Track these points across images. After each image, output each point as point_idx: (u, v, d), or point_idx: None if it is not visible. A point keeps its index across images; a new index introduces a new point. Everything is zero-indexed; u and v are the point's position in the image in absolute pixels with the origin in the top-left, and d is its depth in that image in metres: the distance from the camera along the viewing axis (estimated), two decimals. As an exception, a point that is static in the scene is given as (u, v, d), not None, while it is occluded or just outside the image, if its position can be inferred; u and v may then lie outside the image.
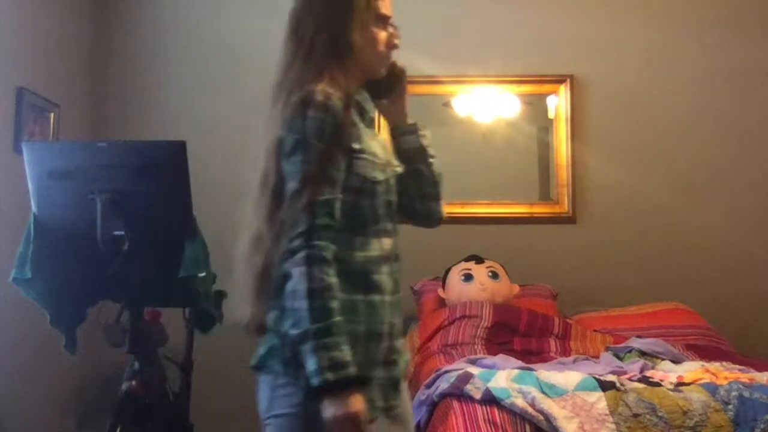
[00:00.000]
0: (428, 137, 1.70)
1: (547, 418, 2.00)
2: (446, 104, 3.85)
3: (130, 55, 3.84)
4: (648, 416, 1.99)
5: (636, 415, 1.99)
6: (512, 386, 2.10)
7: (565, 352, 2.90)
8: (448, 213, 4.30)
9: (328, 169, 1.40)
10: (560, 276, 3.66)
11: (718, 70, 3.82)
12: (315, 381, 1.32)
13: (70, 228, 2.30)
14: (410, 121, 1.71)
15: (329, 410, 1.32)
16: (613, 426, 1.97)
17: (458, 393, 2.15)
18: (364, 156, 1.47)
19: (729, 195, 3.77)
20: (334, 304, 1.35)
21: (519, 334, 3.03)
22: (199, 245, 2.40)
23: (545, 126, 3.89)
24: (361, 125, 1.53)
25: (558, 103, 3.82)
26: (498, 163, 3.87)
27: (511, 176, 3.91)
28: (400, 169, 1.61)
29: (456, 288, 3.33)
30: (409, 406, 1.67)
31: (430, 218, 1.71)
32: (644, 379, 2.26)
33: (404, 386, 1.62)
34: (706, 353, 2.82)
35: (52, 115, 3.36)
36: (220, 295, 2.61)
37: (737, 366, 2.46)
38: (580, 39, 3.84)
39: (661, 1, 3.89)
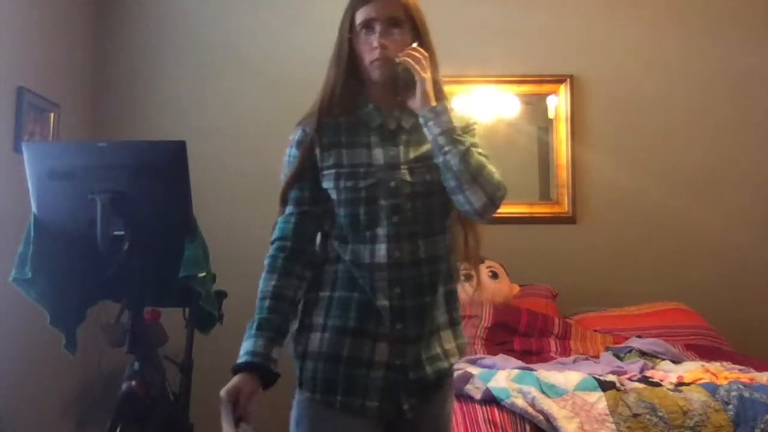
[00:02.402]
0: (445, 122, 1.57)
1: (547, 418, 2.00)
2: (446, 104, 3.85)
3: (130, 55, 3.84)
4: (648, 416, 1.99)
5: (636, 415, 1.99)
6: (512, 386, 2.10)
7: (565, 352, 2.90)
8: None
9: (286, 193, 1.62)
10: (560, 276, 3.66)
11: (718, 70, 3.82)
12: None
13: (70, 228, 2.29)
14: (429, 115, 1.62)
15: None
16: (613, 426, 1.98)
17: (458, 393, 2.15)
18: (333, 171, 1.59)
19: (729, 195, 3.77)
20: (264, 303, 1.53)
21: (519, 334, 3.03)
22: (199, 245, 2.40)
23: (545, 126, 3.89)
24: (344, 140, 1.61)
25: (558, 103, 3.82)
26: (498, 163, 3.85)
27: (511, 176, 3.86)
28: (401, 174, 1.59)
29: (456, 288, 3.32)
30: (444, 414, 1.68)
31: (465, 212, 1.61)
32: (644, 379, 2.26)
33: (440, 394, 1.64)
34: (706, 353, 2.82)
35: (52, 115, 3.36)
36: (220, 295, 2.61)
37: (737, 366, 2.46)
38: (580, 39, 3.85)
39: (661, 1, 3.89)
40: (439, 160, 1.57)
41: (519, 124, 3.88)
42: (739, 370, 2.41)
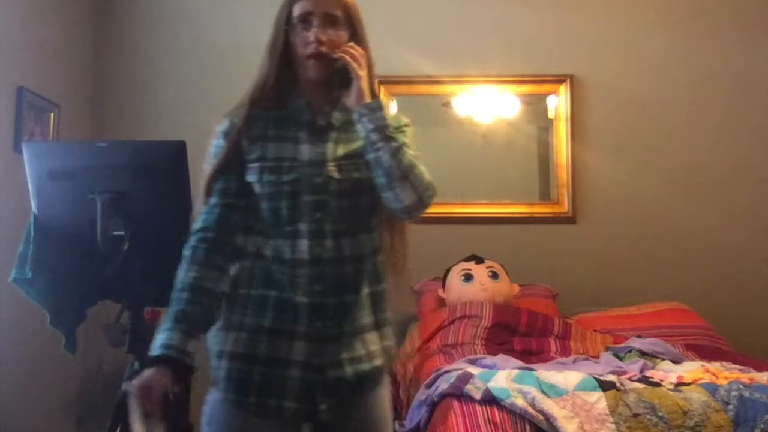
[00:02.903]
0: (379, 119, 1.55)
1: (547, 418, 2.00)
2: (446, 104, 3.85)
3: (130, 55, 3.84)
4: (648, 416, 1.99)
5: (636, 415, 1.99)
6: (512, 386, 2.10)
7: (565, 352, 2.90)
8: (448, 213, 4.28)
9: (210, 184, 1.60)
10: (560, 276, 3.66)
11: (718, 70, 3.82)
12: None
13: (70, 228, 2.29)
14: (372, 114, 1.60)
15: None
16: (613, 426, 1.97)
17: (458, 393, 2.15)
18: (257, 164, 1.58)
19: (729, 195, 3.77)
20: (182, 295, 1.51)
21: (519, 334, 3.03)
22: (199, 245, 2.39)
23: (545, 126, 3.89)
24: (270, 134, 1.60)
25: (558, 103, 3.82)
26: (498, 163, 3.87)
27: (511, 176, 3.91)
28: (329, 170, 1.58)
29: (456, 288, 3.33)
30: (373, 418, 1.64)
31: (395, 209, 1.58)
32: (644, 379, 2.26)
33: (365, 397, 1.61)
34: (706, 353, 2.82)
35: (52, 115, 3.36)
36: (220, 295, 2.61)
37: (737, 366, 2.46)
38: (580, 39, 3.85)
39: (662, 1, 3.89)
40: (371, 156, 1.55)
41: (519, 124, 3.88)
42: (739, 370, 2.40)
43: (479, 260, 3.40)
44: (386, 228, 1.68)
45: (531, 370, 2.31)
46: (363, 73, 1.57)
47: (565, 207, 3.78)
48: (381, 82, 3.78)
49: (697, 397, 2.04)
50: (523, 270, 3.58)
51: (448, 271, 3.43)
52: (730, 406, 2.00)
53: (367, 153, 1.56)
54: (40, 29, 3.31)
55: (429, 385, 2.33)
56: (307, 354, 1.54)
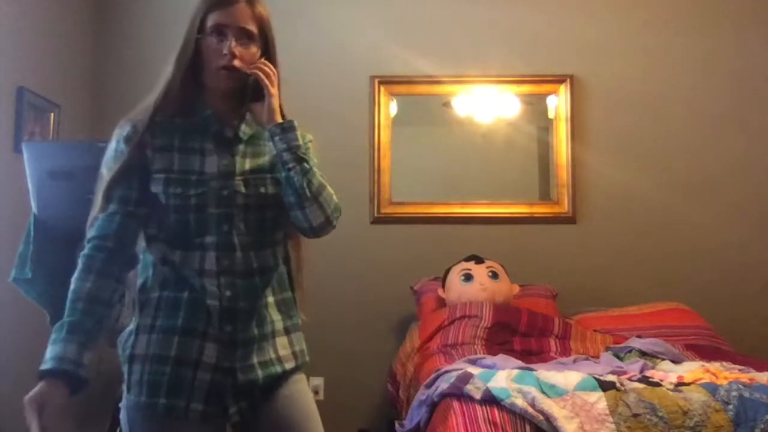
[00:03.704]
0: (294, 138, 1.59)
1: (547, 418, 2.00)
2: (446, 104, 3.85)
3: (130, 55, 3.84)
4: (648, 416, 1.99)
5: (636, 415, 1.99)
6: (512, 386, 2.10)
7: (565, 352, 2.90)
8: (448, 213, 4.28)
9: (110, 191, 1.55)
10: (560, 276, 3.66)
11: (717, 70, 3.82)
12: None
13: (70, 228, 2.28)
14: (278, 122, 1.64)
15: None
16: (613, 426, 1.97)
17: (458, 393, 2.14)
18: (162, 175, 1.55)
19: (729, 195, 3.77)
20: (77, 305, 1.48)
21: (519, 334, 3.03)
22: (199, 245, 2.39)
23: (545, 126, 3.89)
24: (177, 144, 1.58)
25: (558, 103, 3.82)
26: (498, 163, 3.87)
27: (511, 176, 3.91)
28: (236, 185, 1.59)
29: (456, 288, 3.33)
30: (288, 421, 1.62)
31: (300, 228, 1.63)
32: (644, 379, 2.26)
33: (277, 400, 1.61)
34: (706, 353, 2.82)
35: (52, 115, 3.36)
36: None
37: (737, 366, 2.46)
38: (580, 39, 3.85)
39: (661, 1, 3.89)
40: (283, 175, 1.59)
41: (519, 124, 3.88)
42: (739, 370, 2.40)
43: (479, 260, 3.40)
44: (290, 242, 1.71)
45: (531, 370, 2.31)
46: (275, 90, 1.59)
47: (565, 207, 3.78)
48: (381, 82, 3.79)
49: (697, 397, 2.04)
50: (523, 270, 3.59)
51: (448, 271, 3.43)
52: (730, 406, 2.00)
53: (279, 172, 1.60)
54: (40, 29, 3.31)
55: (429, 385, 2.33)
56: (218, 357, 1.54)
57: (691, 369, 2.40)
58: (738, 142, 3.80)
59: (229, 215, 1.57)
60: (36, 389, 1.43)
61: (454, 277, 3.37)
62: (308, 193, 1.57)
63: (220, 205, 1.57)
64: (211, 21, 1.58)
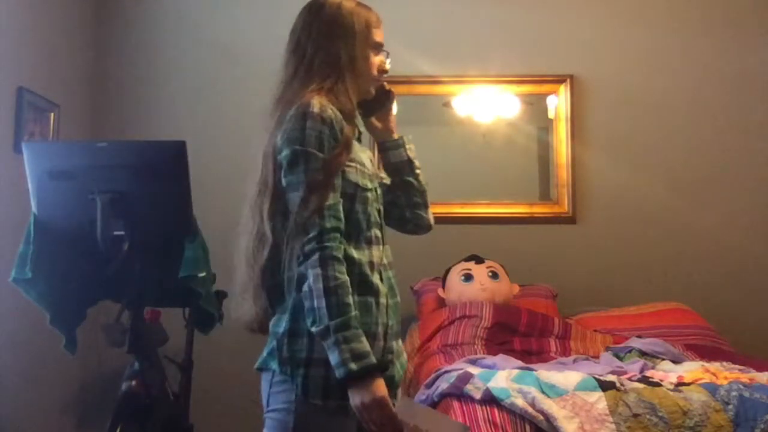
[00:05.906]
0: (413, 150, 1.81)
1: (547, 418, 2.00)
2: (446, 104, 3.85)
3: (130, 55, 3.84)
4: (648, 416, 1.99)
5: (636, 415, 1.99)
6: (512, 386, 2.10)
7: (565, 352, 2.90)
8: (448, 213, 4.29)
9: (330, 176, 1.51)
10: (560, 276, 3.66)
11: (718, 70, 3.82)
12: (340, 372, 1.42)
13: (70, 228, 2.29)
14: (399, 135, 1.84)
15: (356, 398, 1.42)
16: (613, 426, 1.97)
17: (458, 393, 2.15)
18: (354, 165, 1.59)
19: (729, 195, 3.77)
20: (350, 299, 1.45)
21: (519, 334, 3.03)
22: (199, 245, 2.39)
23: (545, 126, 3.89)
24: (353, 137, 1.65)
25: (558, 103, 3.82)
26: (498, 163, 3.87)
27: (511, 176, 3.91)
28: (387, 180, 1.78)
29: (456, 288, 3.33)
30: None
31: (419, 226, 1.83)
32: (644, 379, 2.26)
33: (399, 391, 1.68)
34: (706, 353, 2.82)
35: (52, 115, 3.35)
36: (220, 295, 2.61)
37: (737, 366, 2.46)
38: (580, 39, 3.85)
39: (661, 1, 3.89)
40: (409, 177, 1.78)
41: (519, 124, 3.88)
42: (739, 370, 2.40)
43: (479, 260, 3.40)
44: None
45: (531, 370, 2.31)
46: None
47: (565, 207, 3.78)
48: (381, 82, 3.79)
49: (697, 397, 2.04)
50: (523, 270, 3.59)
51: (448, 271, 3.43)
52: (730, 406, 2.00)
53: (405, 175, 1.79)
54: (40, 29, 3.31)
55: (429, 385, 2.34)
56: (381, 352, 1.57)
57: (691, 369, 2.41)
58: (738, 142, 3.79)
59: (379, 211, 1.69)
60: (383, 390, 1.44)
61: (454, 277, 3.37)
62: (427, 195, 1.82)
63: (380, 199, 1.70)
64: (377, 37, 1.71)
